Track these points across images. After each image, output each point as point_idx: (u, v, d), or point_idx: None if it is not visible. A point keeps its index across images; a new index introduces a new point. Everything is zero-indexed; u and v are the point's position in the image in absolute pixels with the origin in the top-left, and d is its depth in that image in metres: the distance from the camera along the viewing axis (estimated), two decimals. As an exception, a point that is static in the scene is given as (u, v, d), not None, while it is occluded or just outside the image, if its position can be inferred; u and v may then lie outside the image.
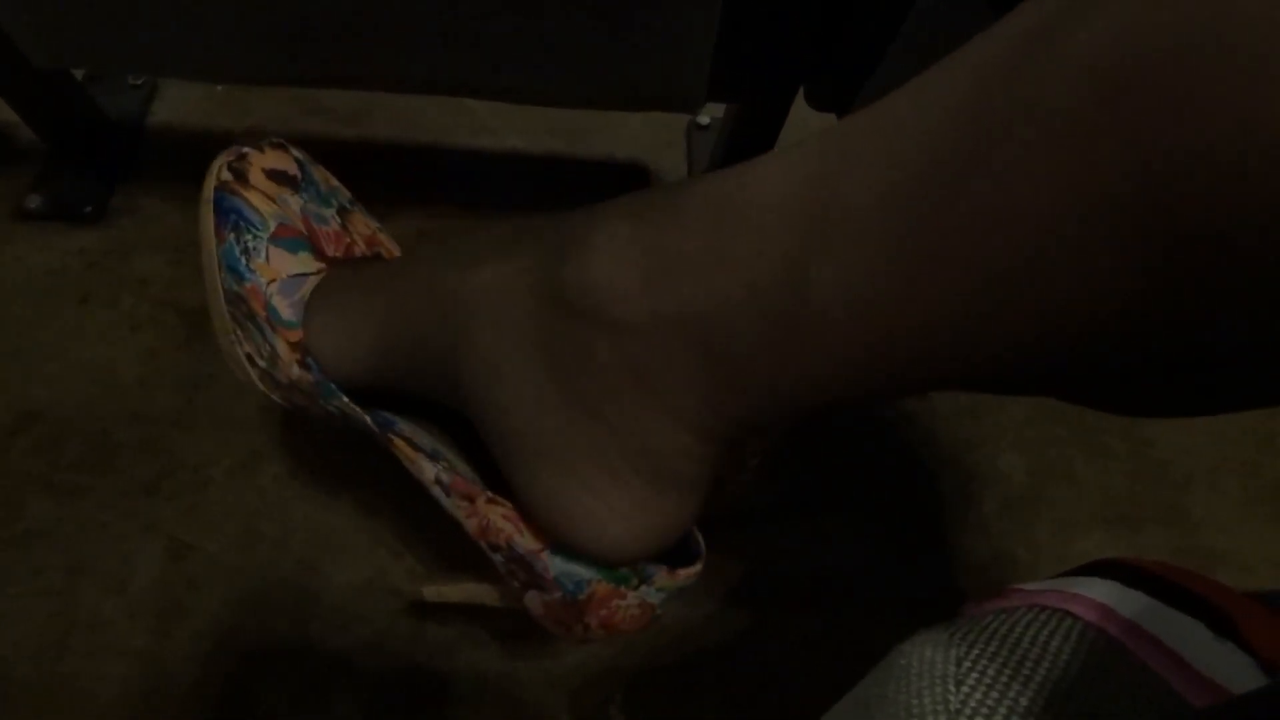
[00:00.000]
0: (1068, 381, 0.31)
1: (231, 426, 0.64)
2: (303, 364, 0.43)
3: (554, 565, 0.38)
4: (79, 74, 0.75)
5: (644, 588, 0.39)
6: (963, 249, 0.24)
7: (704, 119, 0.79)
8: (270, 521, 0.61)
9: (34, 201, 0.72)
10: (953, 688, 0.25)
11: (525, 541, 0.38)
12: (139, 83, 0.78)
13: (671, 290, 0.30)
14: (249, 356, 0.45)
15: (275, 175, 0.46)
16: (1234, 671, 0.26)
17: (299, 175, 0.47)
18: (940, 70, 0.26)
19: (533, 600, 0.40)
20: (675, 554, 0.39)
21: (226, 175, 0.45)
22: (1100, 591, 0.29)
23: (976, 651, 0.27)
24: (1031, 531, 0.64)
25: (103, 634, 0.57)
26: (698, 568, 0.40)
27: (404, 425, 0.44)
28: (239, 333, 0.45)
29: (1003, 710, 0.25)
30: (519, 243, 0.36)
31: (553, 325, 0.33)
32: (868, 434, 0.67)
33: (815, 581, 0.62)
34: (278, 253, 0.44)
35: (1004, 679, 0.26)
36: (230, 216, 0.44)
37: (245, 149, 0.46)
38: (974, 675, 0.26)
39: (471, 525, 0.40)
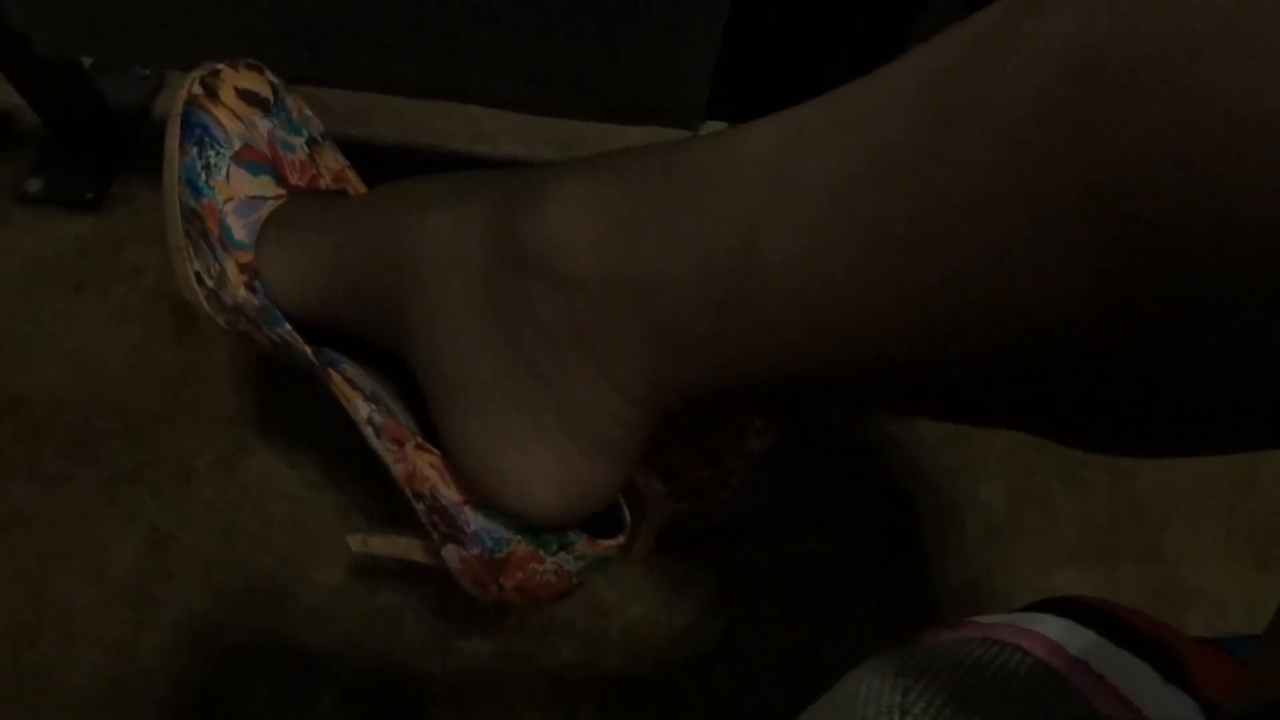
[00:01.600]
0: (1035, 409, 0.31)
1: (216, 421, 0.64)
2: (249, 287, 0.43)
3: (475, 520, 0.38)
4: (87, 62, 0.76)
5: (563, 554, 0.38)
6: (913, 234, 0.24)
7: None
8: (251, 517, 0.61)
9: (33, 185, 0.72)
10: (898, 717, 0.26)
11: (449, 492, 0.38)
12: (147, 73, 0.79)
13: (623, 251, 0.30)
14: (198, 275, 0.45)
15: (247, 95, 0.46)
16: (1180, 715, 0.26)
17: (271, 99, 0.47)
18: (904, 60, 0.26)
19: (450, 554, 0.40)
20: (600, 526, 0.39)
21: (198, 90, 0.45)
22: (1052, 628, 0.29)
23: (924, 682, 0.27)
24: (1010, 561, 0.64)
25: (76, 621, 0.58)
26: (619, 540, 0.39)
27: (347, 366, 0.44)
28: (190, 250, 0.45)
29: (948, 742, 0.25)
30: (478, 190, 0.36)
31: (501, 274, 0.33)
32: (853, 454, 0.67)
33: (793, 595, 0.62)
34: (239, 173, 0.44)
35: (949, 710, 0.26)
36: (195, 131, 0.44)
37: (220, 65, 0.46)
38: (920, 705, 0.26)
39: (398, 470, 0.40)
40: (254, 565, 0.60)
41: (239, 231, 0.43)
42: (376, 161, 0.75)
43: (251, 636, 0.58)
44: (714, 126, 0.78)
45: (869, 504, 0.66)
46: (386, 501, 0.59)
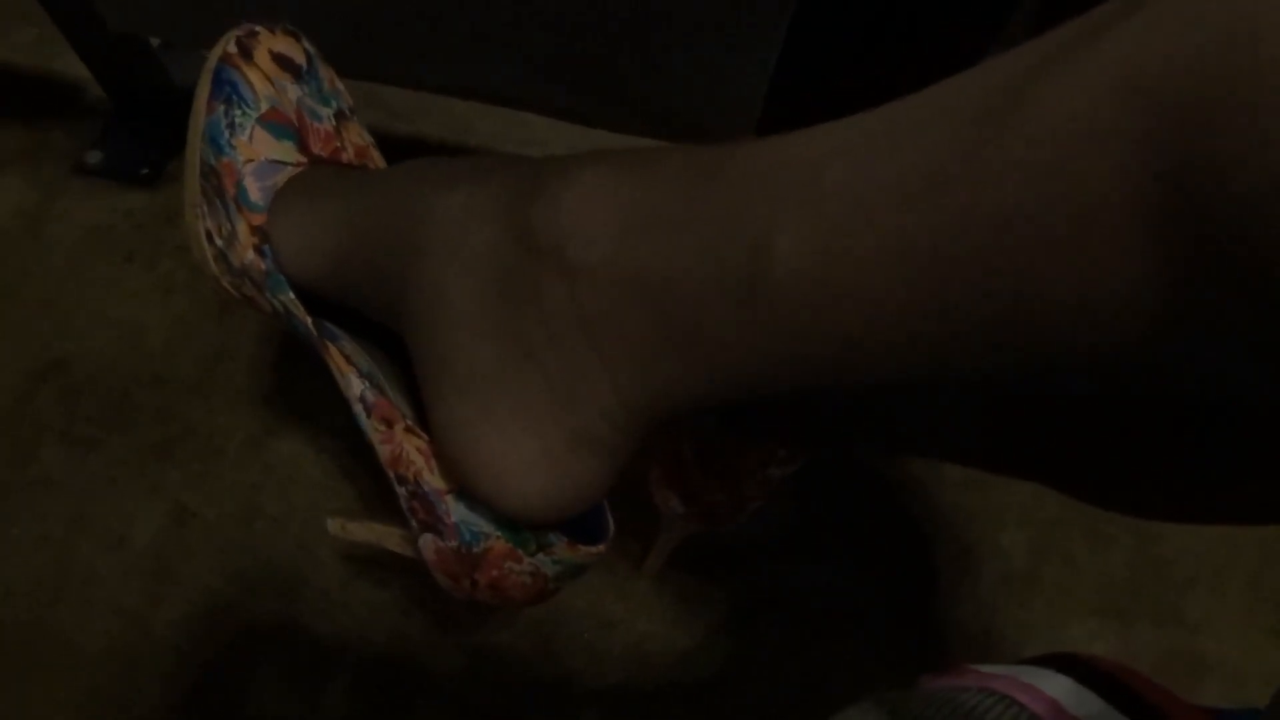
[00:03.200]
0: (1047, 454, 0.31)
1: (249, 401, 0.65)
2: (258, 250, 0.42)
3: (456, 510, 0.37)
4: (155, 42, 0.78)
5: (541, 555, 0.37)
6: (936, 248, 0.23)
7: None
8: (273, 500, 0.62)
9: (93, 158, 0.74)
10: (885, 761, 0.25)
11: (433, 479, 0.37)
12: (210, 56, 0.80)
13: (636, 244, 0.29)
14: (208, 233, 0.45)
15: (281, 60, 0.46)
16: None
17: (304, 66, 0.47)
18: (953, 79, 0.25)
19: (427, 544, 0.39)
20: (583, 531, 0.38)
21: (233, 48, 0.45)
22: (1053, 686, 0.28)
23: (916, 729, 0.26)
24: (1025, 612, 0.64)
25: (96, 588, 0.59)
26: (600, 548, 0.38)
27: (346, 342, 0.44)
28: (204, 207, 0.45)
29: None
30: (499, 171, 0.35)
31: (511, 257, 0.32)
32: (873, 489, 0.67)
33: (802, 627, 0.61)
34: (262, 135, 0.44)
35: (937, 759, 0.26)
36: (225, 88, 0.44)
37: (258, 28, 0.46)
38: (908, 752, 0.26)
39: (384, 452, 0.40)
40: (272, 548, 0.61)
41: (255, 193, 0.43)
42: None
43: (263, 617, 0.59)
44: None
45: (886, 541, 0.65)
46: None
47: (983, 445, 0.33)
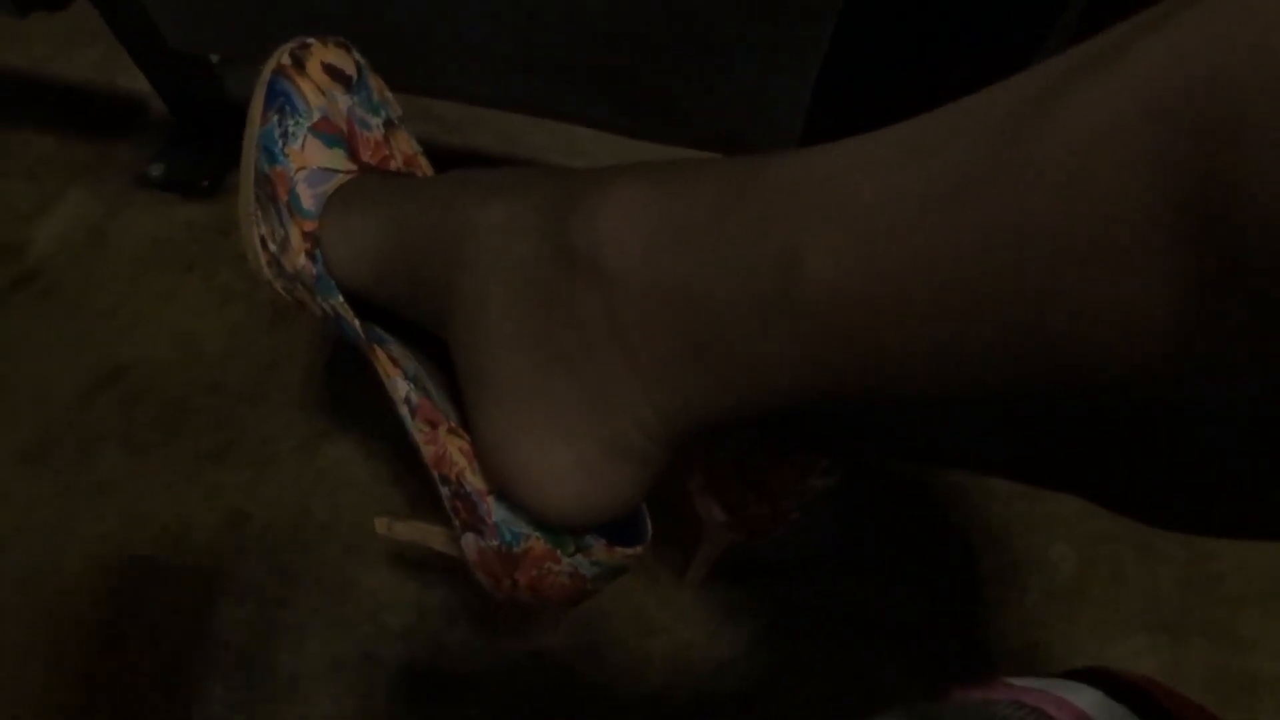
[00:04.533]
0: (1083, 469, 0.31)
1: (300, 407, 0.66)
2: (310, 254, 0.44)
3: (497, 511, 0.38)
4: (214, 58, 0.80)
5: (579, 556, 0.38)
6: (963, 262, 0.23)
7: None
8: (323, 504, 0.63)
9: (155, 170, 0.76)
10: (912, 770, 0.26)
11: (475, 480, 0.38)
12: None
13: (669, 256, 0.30)
14: (262, 239, 0.46)
15: (332, 70, 0.47)
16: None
17: (354, 77, 0.48)
18: (986, 91, 0.26)
19: (469, 543, 0.40)
20: (621, 533, 0.39)
21: (286, 60, 0.46)
22: (1084, 699, 0.28)
23: (944, 739, 0.26)
24: (1072, 625, 0.63)
25: (153, 586, 0.60)
26: (638, 550, 0.39)
27: (393, 345, 0.45)
28: (259, 214, 0.46)
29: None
30: (542, 182, 0.36)
31: (549, 268, 0.33)
32: (917, 500, 0.66)
33: (844, 638, 0.61)
34: (314, 143, 0.45)
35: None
36: (278, 99, 0.46)
37: (310, 40, 0.47)
38: (935, 761, 0.26)
39: (429, 452, 0.41)
40: (321, 551, 0.62)
41: (307, 200, 0.44)
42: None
43: (311, 618, 0.60)
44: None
45: (930, 553, 0.65)
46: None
47: (1013, 458, 0.32)
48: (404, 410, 0.42)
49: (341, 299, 0.44)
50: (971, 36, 0.50)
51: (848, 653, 0.61)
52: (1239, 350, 0.20)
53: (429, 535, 0.45)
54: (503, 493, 0.37)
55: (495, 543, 0.39)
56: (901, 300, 0.25)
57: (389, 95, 0.51)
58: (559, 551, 0.38)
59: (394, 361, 0.43)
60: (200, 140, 0.78)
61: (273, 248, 0.46)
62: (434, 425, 0.40)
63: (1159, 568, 0.65)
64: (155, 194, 0.75)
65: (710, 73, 0.55)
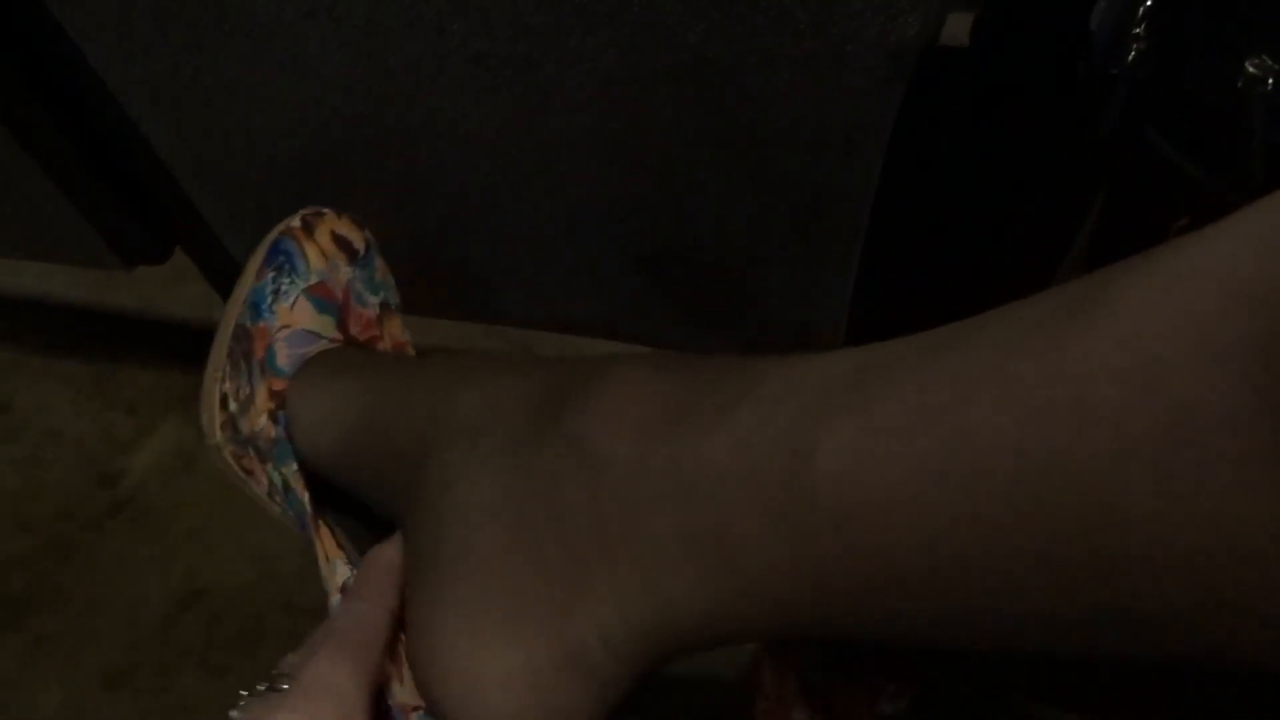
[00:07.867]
0: (1127, 704, 0.30)
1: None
2: (273, 416, 0.42)
3: None
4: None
5: None
6: (974, 469, 0.22)
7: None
8: None
9: (244, 397, 0.81)
10: None
11: (401, 692, 0.34)
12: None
13: (667, 437, 0.28)
14: (224, 396, 0.44)
15: (340, 241, 0.47)
16: None
17: (361, 252, 0.48)
18: (1003, 307, 0.24)
19: None
20: None
21: (296, 224, 0.46)
22: None
23: None
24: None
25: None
26: None
27: (339, 529, 0.42)
28: (228, 368, 0.45)
29: None
30: (535, 370, 0.34)
31: (532, 444, 0.31)
32: None
33: None
34: (305, 305, 0.44)
35: None
36: (279, 257, 0.45)
37: (325, 210, 0.47)
38: None
39: None
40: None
41: (283, 358, 0.43)
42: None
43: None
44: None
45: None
46: None
47: (1075, 690, 0.31)
48: (336, 599, 0.38)
49: (296, 468, 0.41)
50: (995, 246, 0.52)
51: None
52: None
53: None
54: (431, 696, 0.32)
55: None
56: (913, 503, 0.23)
57: (391, 279, 0.50)
58: None
59: (338, 544, 0.40)
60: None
61: (233, 407, 0.44)
62: None
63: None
64: (243, 420, 0.80)
65: (755, 286, 0.58)
